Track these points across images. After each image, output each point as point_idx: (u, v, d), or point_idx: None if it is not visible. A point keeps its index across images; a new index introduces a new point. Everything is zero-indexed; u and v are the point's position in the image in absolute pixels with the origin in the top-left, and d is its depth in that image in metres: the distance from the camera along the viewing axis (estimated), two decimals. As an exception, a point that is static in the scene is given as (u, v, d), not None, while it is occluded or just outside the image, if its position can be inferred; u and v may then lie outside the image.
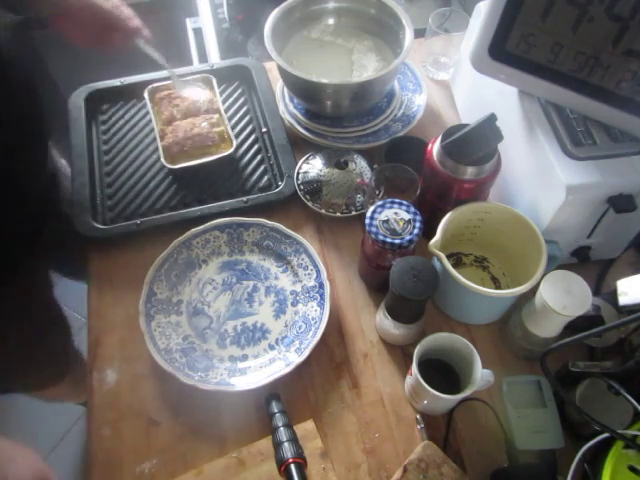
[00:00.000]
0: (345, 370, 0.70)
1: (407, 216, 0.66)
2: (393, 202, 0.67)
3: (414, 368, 0.62)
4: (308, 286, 0.74)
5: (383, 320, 0.69)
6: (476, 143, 0.64)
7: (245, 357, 0.70)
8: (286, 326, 0.72)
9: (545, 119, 0.67)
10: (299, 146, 0.89)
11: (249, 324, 0.72)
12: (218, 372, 0.68)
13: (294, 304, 0.73)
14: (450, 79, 0.98)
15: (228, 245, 0.78)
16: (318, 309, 0.71)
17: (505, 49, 0.64)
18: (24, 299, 0.86)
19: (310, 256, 0.75)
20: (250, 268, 0.76)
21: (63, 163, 0.97)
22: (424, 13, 1.00)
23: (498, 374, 0.64)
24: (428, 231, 0.67)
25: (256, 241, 0.78)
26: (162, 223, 0.79)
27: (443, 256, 0.64)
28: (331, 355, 0.71)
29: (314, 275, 0.74)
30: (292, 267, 0.76)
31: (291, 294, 0.74)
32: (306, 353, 0.67)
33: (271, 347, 0.70)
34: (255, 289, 0.75)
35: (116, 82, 0.95)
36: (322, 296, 0.72)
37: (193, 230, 0.77)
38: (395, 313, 0.66)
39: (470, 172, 0.66)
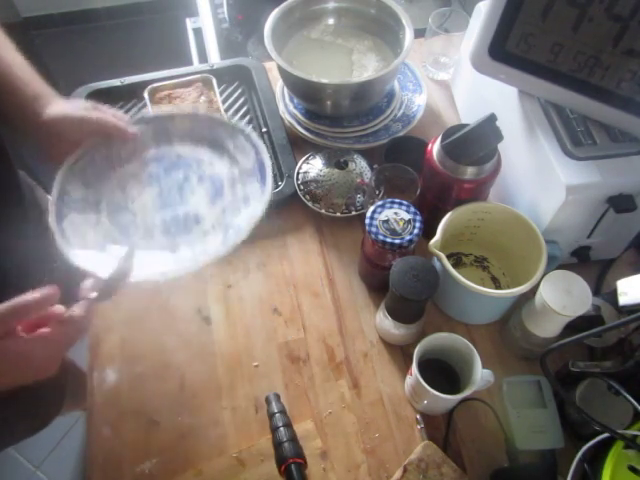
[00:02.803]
0: (345, 370, 0.70)
1: (407, 216, 0.66)
2: (393, 202, 0.67)
3: (414, 368, 0.62)
4: (247, 168, 0.65)
5: (383, 320, 0.69)
6: (476, 143, 0.64)
7: (177, 247, 0.61)
8: (224, 212, 0.64)
9: (545, 119, 0.67)
10: (299, 146, 0.89)
11: (180, 214, 0.64)
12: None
13: (232, 187, 0.65)
14: (450, 79, 0.98)
15: (154, 138, 0.69)
16: (259, 188, 0.63)
17: (505, 49, 0.64)
18: None
19: (247, 136, 0.66)
20: (180, 159, 0.68)
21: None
22: (424, 13, 1.01)
23: (498, 374, 0.64)
24: (428, 231, 0.67)
25: (187, 131, 0.69)
26: (162, 223, 0.78)
27: (443, 256, 0.64)
28: (331, 355, 0.71)
29: (252, 155, 0.65)
30: (228, 151, 0.68)
31: (228, 179, 0.66)
32: (245, 231, 0.58)
33: (206, 233, 0.62)
34: (186, 179, 0.67)
35: (116, 82, 0.95)
36: (263, 175, 0.63)
37: None
38: (395, 313, 0.66)
39: (470, 172, 0.66)
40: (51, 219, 0.60)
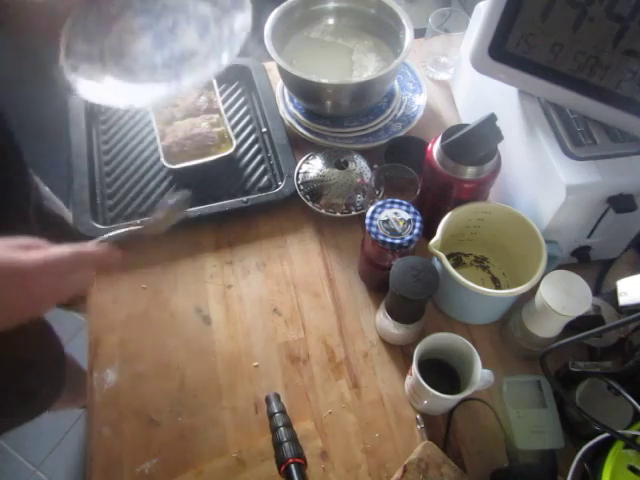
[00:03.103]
0: (345, 370, 0.70)
1: (407, 216, 0.66)
2: (393, 202, 0.67)
3: (414, 368, 0.62)
4: (227, 5, 0.71)
5: (383, 320, 0.69)
6: (476, 143, 0.64)
7: (180, 76, 0.67)
8: (213, 43, 0.70)
9: (545, 119, 0.67)
10: (299, 146, 0.89)
11: (176, 51, 0.70)
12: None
13: (218, 22, 0.71)
14: (450, 79, 0.98)
15: None
16: (241, 18, 0.69)
17: (505, 49, 0.64)
18: None
19: None
20: (165, 8, 0.73)
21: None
22: (424, 13, 1.01)
23: (498, 374, 0.64)
24: (428, 231, 0.67)
25: None
26: (162, 223, 0.79)
27: (443, 256, 0.64)
28: (331, 355, 0.71)
29: None
30: None
31: (213, 17, 0.71)
32: (234, 54, 0.67)
33: (202, 62, 0.69)
34: (175, 23, 0.72)
35: (116, 82, 0.95)
36: (242, 6, 0.69)
37: None
38: (395, 313, 0.66)
39: (470, 172, 0.66)
40: (66, 70, 0.66)
